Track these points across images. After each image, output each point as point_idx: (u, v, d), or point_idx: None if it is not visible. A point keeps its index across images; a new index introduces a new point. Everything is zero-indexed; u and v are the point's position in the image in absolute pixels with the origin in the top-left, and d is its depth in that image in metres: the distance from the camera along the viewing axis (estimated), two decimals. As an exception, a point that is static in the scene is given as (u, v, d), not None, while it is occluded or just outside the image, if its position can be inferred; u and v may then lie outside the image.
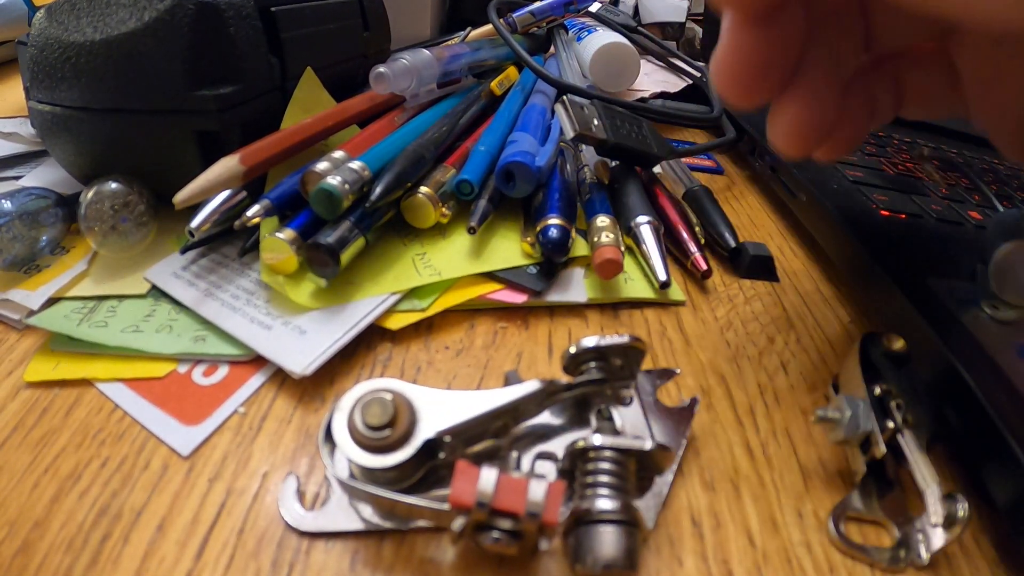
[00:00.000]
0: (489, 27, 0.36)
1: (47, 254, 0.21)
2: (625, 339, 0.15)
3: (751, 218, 0.29)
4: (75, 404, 0.16)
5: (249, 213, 0.19)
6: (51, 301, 0.19)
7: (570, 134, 0.23)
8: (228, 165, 0.19)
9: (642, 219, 0.22)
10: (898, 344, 0.16)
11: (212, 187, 0.19)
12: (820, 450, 0.16)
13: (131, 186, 0.21)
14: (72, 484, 0.14)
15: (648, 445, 0.14)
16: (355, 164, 0.20)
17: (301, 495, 0.14)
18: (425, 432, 0.13)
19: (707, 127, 0.38)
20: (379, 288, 0.20)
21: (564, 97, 0.24)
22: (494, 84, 0.31)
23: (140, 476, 0.15)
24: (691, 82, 0.41)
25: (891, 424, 0.15)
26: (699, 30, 0.53)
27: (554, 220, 0.21)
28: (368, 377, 0.18)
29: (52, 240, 0.21)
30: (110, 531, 0.13)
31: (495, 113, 0.28)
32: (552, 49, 0.41)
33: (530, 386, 0.14)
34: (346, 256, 0.19)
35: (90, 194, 0.20)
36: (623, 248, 0.21)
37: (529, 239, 0.22)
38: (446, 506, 0.12)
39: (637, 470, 0.14)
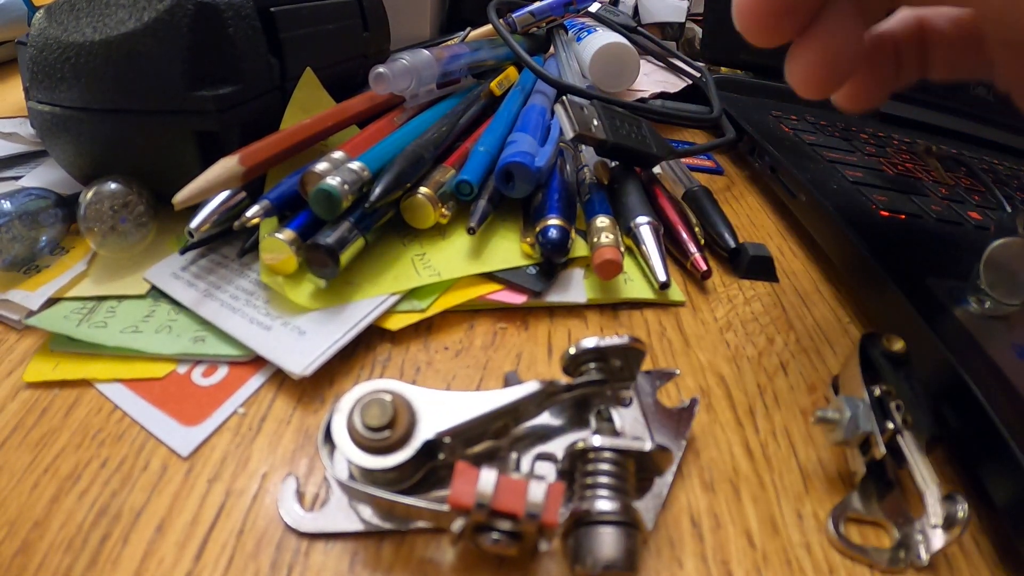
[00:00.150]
0: (489, 27, 0.36)
1: (47, 254, 0.21)
2: (625, 340, 0.15)
3: (751, 218, 0.29)
4: (75, 404, 0.16)
5: (248, 213, 0.19)
6: (51, 301, 0.19)
7: (570, 134, 0.23)
8: (227, 165, 0.19)
9: (642, 219, 0.22)
10: (898, 345, 0.16)
11: (211, 187, 0.19)
12: (820, 451, 0.16)
13: (130, 186, 0.21)
14: (71, 484, 0.14)
15: (648, 446, 0.14)
16: (354, 164, 0.20)
17: (300, 496, 0.14)
18: (424, 433, 0.13)
19: (707, 127, 0.38)
20: (378, 289, 0.20)
21: (564, 97, 0.24)
22: (494, 84, 0.31)
23: (139, 477, 0.15)
24: (691, 82, 0.41)
25: (891, 425, 0.15)
26: (699, 30, 0.53)
27: (554, 221, 0.21)
28: (367, 378, 0.18)
29: (52, 240, 0.21)
30: (109, 531, 0.13)
31: (495, 113, 0.28)
32: (552, 49, 0.41)
33: (530, 387, 0.14)
34: (345, 257, 0.19)
35: (90, 194, 0.20)
36: (623, 249, 0.21)
37: (529, 239, 0.22)
38: (445, 507, 0.12)
39: (637, 471, 0.14)
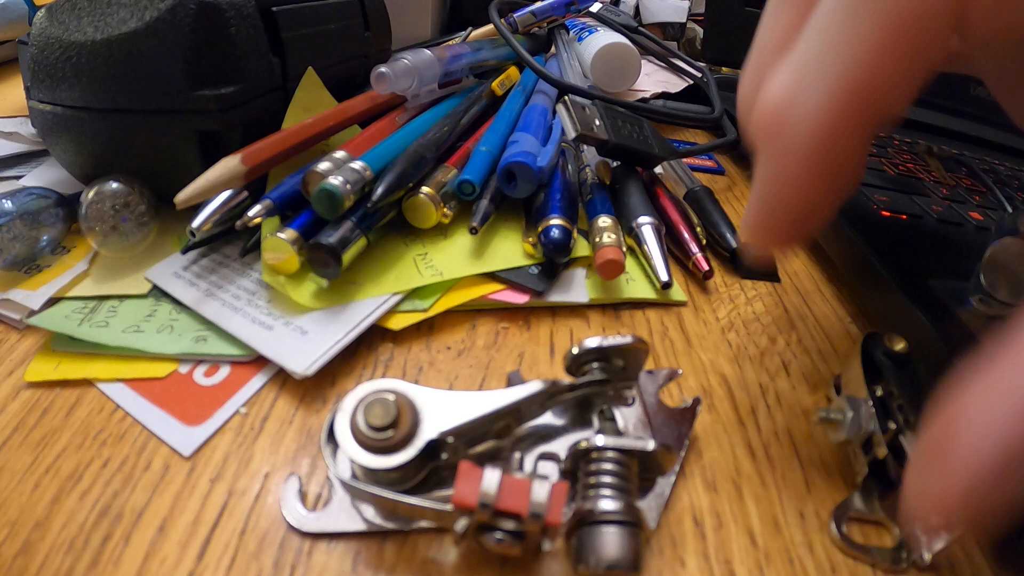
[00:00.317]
0: (490, 27, 0.36)
1: (48, 254, 0.21)
2: (627, 340, 0.15)
3: (752, 218, 0.29)
4: (76, 404, 0.16)
5: (250, 213, 0.19)
6: (52, 301, 0.19)
7: (571, 134, 0.23)
8: (229, 165, 0.19)
9: (644, 219, 0.22)
10: (900, 345, 0.16)
11: (213, 187, 0.19)
12: (822, 451, 0.16)
13: (132, 186, 0.21)
14: (73, 484, 0.14)
15: (650, 446, 0.14)
16: (356, 164, 0.20)
17: (303, 496, 0.14)
18: (428, 433, 0.13)
19: (708, 127, 0.38)
20: (380, 288, 0.20)
21: (565, 97, 0.24)
22: (495, 84, 0.31)
23: (141, 477, 0.15)
24: (692, 82, 0.41)
25: (893, 425, 0.15)
26: (700, 30, 0.53)
27: (556, 220, 0.21)
28: (370, 377, 0.18)
29: (53, 240, 0.21)
30: (111, 532, 0.13)
31: (496, 113, 0.28)
32: (553, 49, 0.41)
33: (532, 387, 0.14)
34: (347, 256, 0.19)
35: (91, 194, 0.20)
36: (625, 249, 0.21)
37: (531, 239, 0.22)
38: (449, 507, 0.12)
39: (640, 471, 0.14)
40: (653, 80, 0.42)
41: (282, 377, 0.17)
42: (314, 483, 0.15)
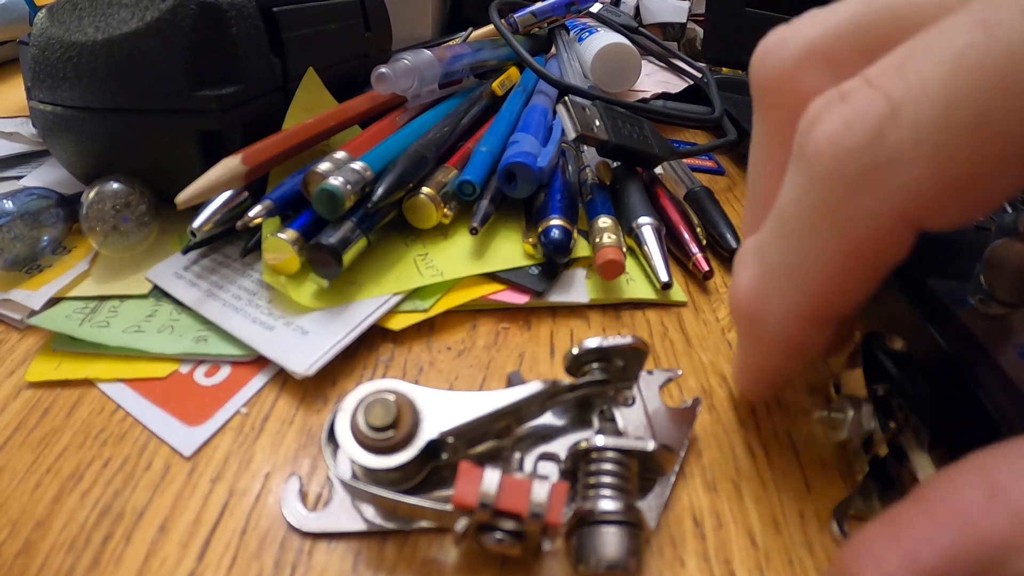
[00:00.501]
0: (490, 27, 0.36)
1: (49, 254, 0.21)
2: (627, 340, 0.15)
3: (752, 219, 0.29)
4: (77, 404, 0.16)
5: (251, 213, 0.19)
6: (53, 301, 0.19)
7: (572, 135, 0.23)
8: (230, 165, 0.19)
9: (644, 220, 0.22)
10: (899, 344, 0.16)
11: (214, 187, 0.19)
12: (822, 451, 0.16)
13: (133, 186, 0.21)
14: (74, 484, 0.14)
15: (650, 446, 0.14)
16: (357, 165, 0.20)
17: (303, 496, 0.14)
18: (428, 433, 0.13)
19: (708, 128, 0.38)
20: (381, 289, 0.20)
21: (566, 98, 0.24)
22: (496, 85, 0.31)
23: (142, 476, 0.15)
24: (692, 83, 0.41)
25: (893, 424, 0.15)
26: (700, 31, 0.53)
27: (556, 221, 0.21)
28: (370, 378, 0.18)
29: (54, 240, 0.21)
30: (112, 531, 0.13)
31: (497, 114, 0.28)
32: (553, 50, 0.41)
33: (533, 387, 0.14)
34: (348, 257, 0.19)
35: (92, 194, 0.20)
36: (625, 249, 0.21)
37: (531, 240, 0.22)
38: (449, 507, 0.12)
39: (640, 471, 0.14)
40: (653, 80, 0.42)
41: (283, 377, 0.17)
42: (315, 483, 0.15)
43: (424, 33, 0.43)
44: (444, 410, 0.14)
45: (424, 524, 0.13)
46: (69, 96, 0.21)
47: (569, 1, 0.39)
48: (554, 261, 0.21)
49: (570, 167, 0.25)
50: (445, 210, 0.22)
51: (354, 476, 0.14)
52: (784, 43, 0.13)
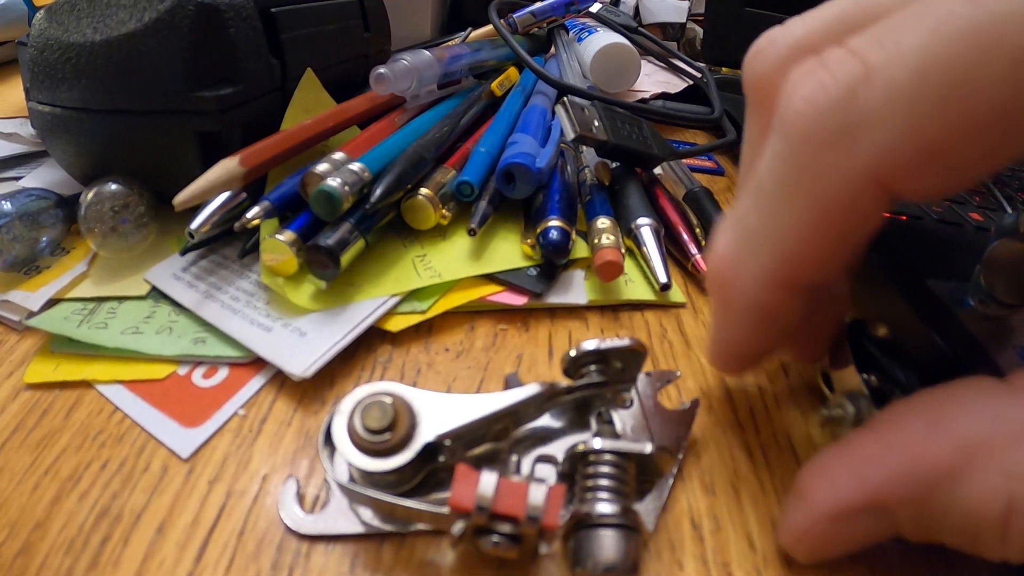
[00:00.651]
0: (490, 28, 0.36)
1: (47, 255, 0.21)
2: (626, 342, 0.15)
3: (752, 219, 0.29)
4: (75, 406, 0.16)
5: (249, 215, 0.19)
6: (51, 302, 0.19)
7: (571, 135, 0.23)
8: (228, 167, 0.19)
9: (643, 221, 0.22)
10: (883, 331, 0.16)
11: (212, 189, 0.19)
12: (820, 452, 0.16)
13: (131, 187, 0.21)
14: (72, 486, 0.14)
15: (648, 449, 0.14)
16: (355, 166, 0.20)
17: (301, 498, 0.14)
18: (425, 435, 0.13)
19: (707, 128, 0.38)
20: (379, 290, 0.20)
21: (565, 98, 0.24)
22: (495, 85, 0.31)
23: (140, 478, 0.15)
24: (692, 83, 0.41)
25: None
26: (700, 30, 0.53)
27: (554, 222, 0.21)
28: (368, 379, 0.18)
29: (52, 241, 0.21)
30: (110, 533, 0.13)
31: (495, 114, 0.28)
32: (552, 50, 0.41)
33: (530, 389, 0.14)
34: (346, 258, 0.19)
35: (90, 195, 0.20)
36: (623, 250, 0.21)
37: (529, 241, 0.22)
38: (446, 510, 0.12)
39: (638, 473, 0.14)
40: (653, 80, 0.42)
41: (281, 379, 0.17)
42: (312, 485, 0.15)
43: (423, 33, 0.43)
44: (441, 412, 0.14)
45: (421, 526, 0.13)
46: (68, 97, 0.21)
47: (568, 1, 0.39)
48: (552, 262, 0.21)
49: (569, 168, 0.25)
50: (443, 211, 0.22)
51: (351, 478, 0.14)
52: (774, 41, 0.13)
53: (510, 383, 0.17)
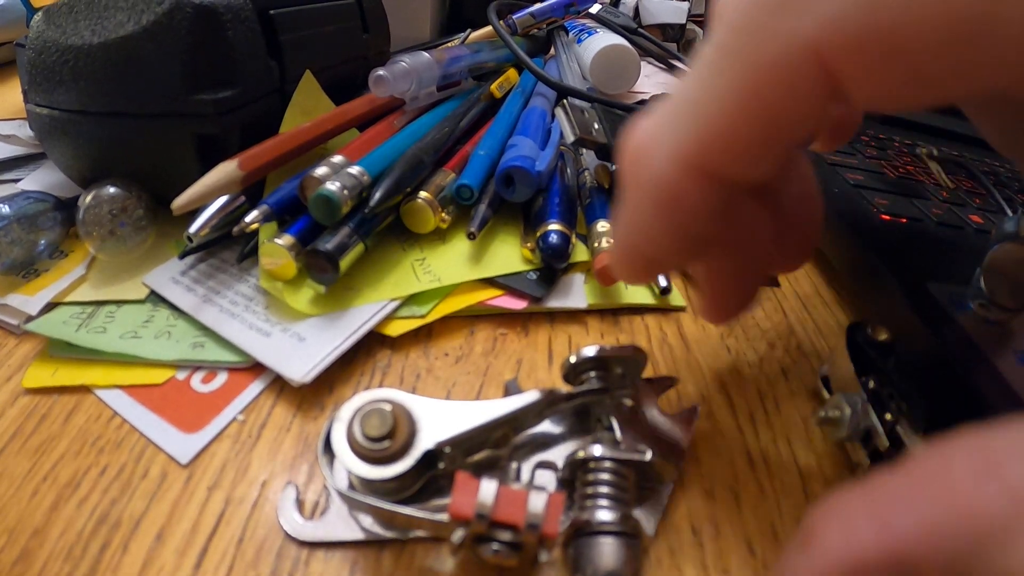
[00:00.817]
0: (489, 29, 0.36)
1: (45, 258, 0.21)
2: (625, 348, 0.15)
3: (751, 222, 0.29)
4: (74, 411, 0.16)
5: (248, 218, 0.19)
6: (49, 306, 0.19)
7: (570, 138, 0.23)
8: (226, 170, 0.19)
9: (642, 224, 0.22)
10: (883, 335, 0.16)
11: (210, 192, 0.19)
12: (820, 457, 0.16)
13: (129, 190, 0.20)
14: (71, 492, 0.14)
15: (648, 456, 0.14)
16: (354, 169, 0.20)
17: (300, 504, 0.14)
18: (425, 443, 0.13)
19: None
20: (378, 294, 0.20)
21: (564, 101, 0.24)
22: (494, 87, 0.30)
23: (139, 484, 0.15)
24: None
25: (889, 416, 0.15)
26: (700, 32, 0.53)
27: (554, 226, 0.21)
28: (367, 384, 0.18)
29: (50, 244, 0.21)
30: (109, 539, 0.13)
31: (495, 116, 0.28)
32: (552, 51, 0.41)
33: (530, 396, 0.14)
34: (345, 262, 0.19)
35: (88, 198, 0.20)
36: (623, 253, 0.21)
37: (529, 245, 0.22)
38: (446, 517, 0.12)
39: (638, 479, 0.14)
40: (653, 82, 0.42)
41: (280, 384, 0.17)
42: (311, 491, 0.15)
43: (423, 34, 0.43)
44: (441, 419, 0.13)
45: (421, 533, 0.13)
46: (66, 99, 0.21)
47: (568, 2, 0.39)
48: (552, 266, 0.21)
49: (569, 170, 0.25)
50: (443, 214, 0.22)
51: (351, 486, 0.14)
52: None
53: (510, 390, 0.17)
